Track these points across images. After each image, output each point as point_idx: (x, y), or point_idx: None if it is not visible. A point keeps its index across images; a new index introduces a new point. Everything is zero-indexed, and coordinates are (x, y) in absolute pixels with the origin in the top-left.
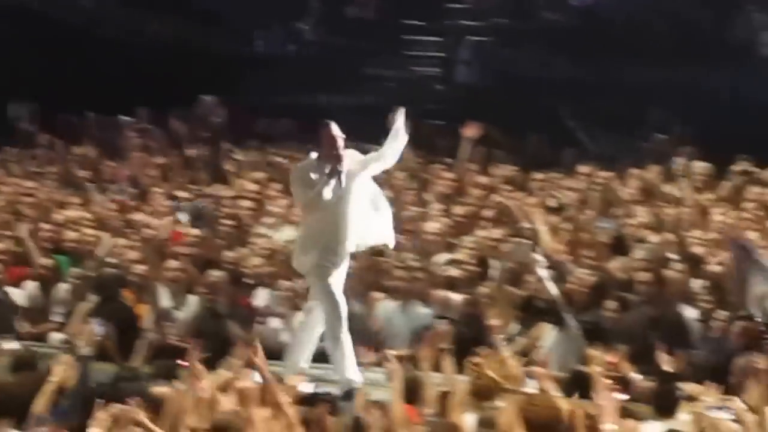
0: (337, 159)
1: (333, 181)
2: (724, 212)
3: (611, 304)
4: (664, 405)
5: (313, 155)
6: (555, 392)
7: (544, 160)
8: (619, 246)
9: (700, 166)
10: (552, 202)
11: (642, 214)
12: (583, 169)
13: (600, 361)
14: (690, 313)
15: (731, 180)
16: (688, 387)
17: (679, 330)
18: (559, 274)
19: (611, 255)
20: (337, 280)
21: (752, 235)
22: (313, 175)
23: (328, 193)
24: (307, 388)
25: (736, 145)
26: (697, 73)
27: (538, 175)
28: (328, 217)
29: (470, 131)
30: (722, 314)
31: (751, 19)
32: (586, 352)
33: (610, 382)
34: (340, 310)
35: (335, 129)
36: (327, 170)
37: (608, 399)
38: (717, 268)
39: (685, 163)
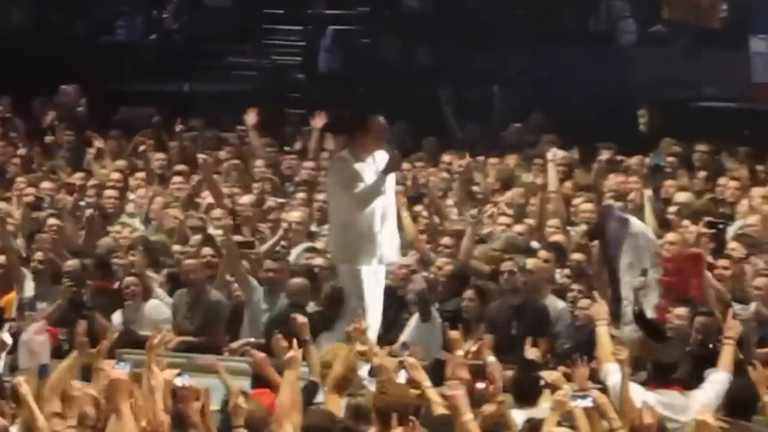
0: (393, 157)
1: (389, 174)
2: (588, 200)
3: (470, 293)
4: (525, 393)
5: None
6: (425, 382)
7: (407, 148)
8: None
9: (562, 155)
10: (413, 191)
11: (503, 203)
12: (445, 157)
13: (461, 350)
14: (558, 303)
15: (593, 168)
16: (550, 376)
17: (542, 319)
18: (422, 263)
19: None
20: (371, 276)
21: None
22: (360, 169)
23: (384, 188)
24: (179, 380)
25: (597, 133)
26: (558, 61)
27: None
28: (374, 213)
29: (317, 121)
30: (585, 302)
31: (611, 6)
32: (448, 340)
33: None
34: (367, 305)
35: (384, 122)
36: (370, 163)
37: (457, 388)
38: (579, 257)
39: (548, 150)
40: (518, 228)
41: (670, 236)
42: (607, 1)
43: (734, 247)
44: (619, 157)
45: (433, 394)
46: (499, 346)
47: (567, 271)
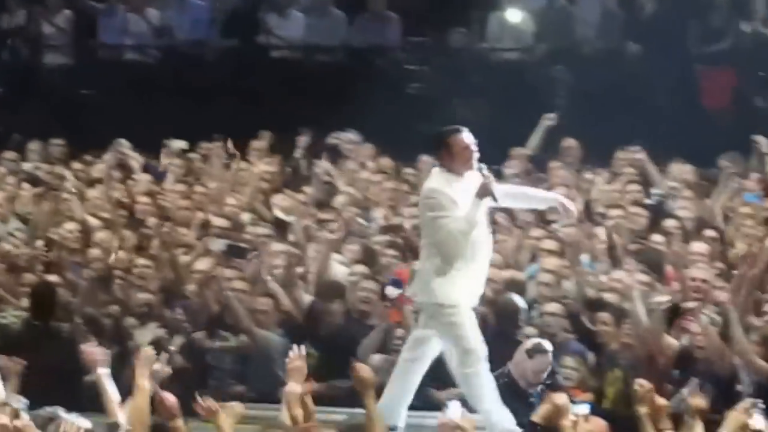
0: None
1: (485, 201)
2: None
3: None
4: None
5: (437, 170)
6: None
7: None
8: None
9: None
10: None
11: None
12: None
13: None
14: None
15: None
16: None
17: None
18: None
19: None
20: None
21: None
22: (454, 196)
23: (481, 218)
24: None
25: None
26: None
27: None
28: (473, 245)
29: None
30: None
31: None
32: None
33: None
34: (481, 350)
35: (468, 136)
36: (463, 187)
37: None
38: None
39: None
40: None
41: None
42: None
43: None
44: None
45: None
46: None
47: None
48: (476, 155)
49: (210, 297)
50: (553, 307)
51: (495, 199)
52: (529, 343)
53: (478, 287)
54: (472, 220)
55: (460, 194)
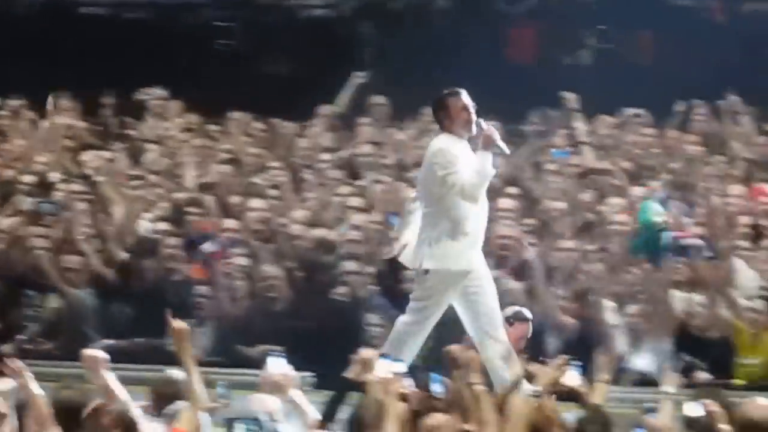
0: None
1: (490, 155)
2: None
3: None
4: None
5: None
6: None
7: None
8: None
9: None
10: None
11: None
12: None
13: None
14: None
15: None
16: None
17: None
18: None
19: None
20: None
21: None
22: (459, 155)
23: (491, 169)
24: None
25: None
26: None
27: None
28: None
29: None
30: None
31: None
32: None
33: None
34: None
35: (466, 98)
36: (465, 149)
37: None
38: None
39: None
40: None
41: None
42: None
43: None
44: None
45: None
46: None
47: None
48: (475, 117)
49: (18, 256)
50: (353, 265)
51: (502, 150)
52: (509, 310)
53: (479, 250)
54: (482, 173)
55: (464, 156)
